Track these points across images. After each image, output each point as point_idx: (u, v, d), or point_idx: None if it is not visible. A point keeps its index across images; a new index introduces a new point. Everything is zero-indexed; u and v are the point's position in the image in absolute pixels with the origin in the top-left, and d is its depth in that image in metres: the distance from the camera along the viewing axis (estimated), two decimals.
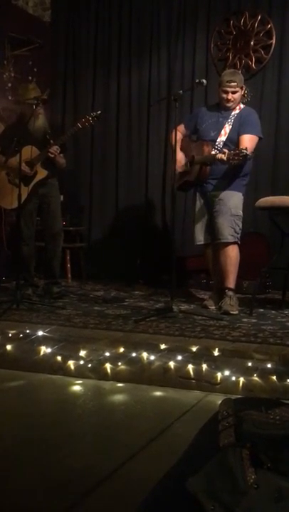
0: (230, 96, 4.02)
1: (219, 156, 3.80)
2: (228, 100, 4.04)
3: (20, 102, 4.43)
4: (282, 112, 5.26)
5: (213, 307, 4.08)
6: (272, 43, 5.28)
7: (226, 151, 3.80)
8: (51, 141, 4.26)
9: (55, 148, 4.24)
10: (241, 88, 4.11)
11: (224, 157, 3.74)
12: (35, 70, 5.99)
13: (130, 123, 5.93)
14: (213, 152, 3.97)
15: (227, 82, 4.02)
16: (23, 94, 4.37)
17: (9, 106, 5.69)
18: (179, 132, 4.20)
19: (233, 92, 4.03)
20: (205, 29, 5.57)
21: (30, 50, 5.83)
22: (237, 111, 4.08)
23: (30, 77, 5.92)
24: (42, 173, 4.31)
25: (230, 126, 4.02)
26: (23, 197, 4.17)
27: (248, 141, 3.92)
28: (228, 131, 4.02)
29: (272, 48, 5.27)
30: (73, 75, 6.20)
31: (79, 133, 4.67)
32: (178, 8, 5.68)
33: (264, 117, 5.30)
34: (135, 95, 5.91)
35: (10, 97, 5.71)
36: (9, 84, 5.73)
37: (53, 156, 4.25)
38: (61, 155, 4.43)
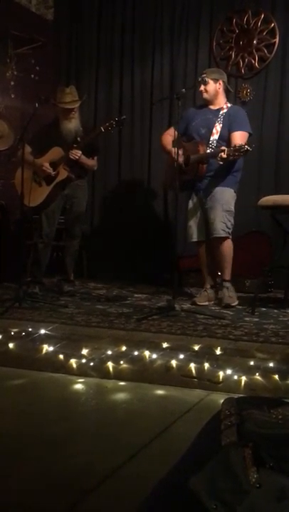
0: (201, 87, 4.21)
1: (221, 155, 3.84)
2: (201, 93, 4.24)
3: (56, 105, 4.48)
4: (285, 110, 5.26)
5: (203, 303, 4.16)
6: (275, 42, 5.27)
7: (224, 148, 3.86)
8: (74, 145, 4.34)
9: (75, 152, 4.30)
10: (215, 81, 4.21)
11: (224, 155, 3.81)
12: (37, 68, 5.99)
13: (133, 121, 5.93)
14: (208, 151, 4.09)
15: (201, 75, 4.30)
16: (59, 97, 4.42)
17: (12, 104, 5.69)
18: (170, 136, 4.33)
19: (204, 84, 4.19)
20: (207, 27, 5.57)
21: (33, 49, 5.82)
22: (225, 110, 4.20)
23: (32, 76, 5.93)
24: (63, 174, 4.38)
25: (221, 125, 4.14)
26: (43, 196, 4.38)
27: (240, 138, 4.04)
28: (219, 129, 4.13)
29: (276, 46, 5.27)
30: (76, 74, 6.19)
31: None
32: (180, 6, 5.67)
33: (267, 116, 5.31)
34: (138, 94, 5.91)
35: (12, 95, 5.72)
36: (12, 83, 5.73)
37: (74, 159, 4.32)
38: (94, 158, 4.59)
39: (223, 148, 3.86)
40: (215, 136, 4.11)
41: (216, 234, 4.13)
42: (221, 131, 4.11)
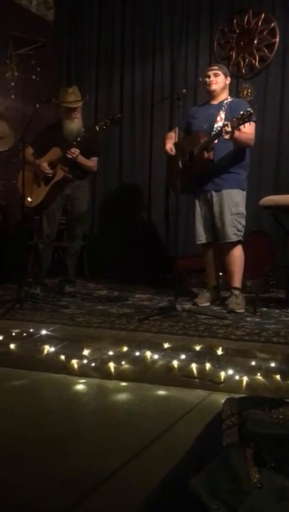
0: (212, 77, 4.09)
1: (225, 129, 3.73)
2: (211, 83, 4.09)
3: (59, 105, 4.47)
4: (286, 110, 5.26)
5: (204, 304, 4.14)
6: (276, 42, 5.27)
7: (226, 122, 3.75)
8: (74, 143, 4.31)
9: (73, 150, 4.28)
10: (225, 76, 4.15)
11: (228, 128, 3.71)
12: (38, 69, 6.00)
13: (133, 122, 5.93)
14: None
15: (208, 67, 4.23)
16: (62, 97, 4.42)
17: (12, 105, 5.69)
18: (172, 139, 4.22)
19: (215, 75, 4.11)
20: (208, 28, 5.56)
21: (33, 49, 5.83)
22: (229, 100, 4.12)
23: (33, 76, 5.93)
24: (59, 175, 4.37)
25: (225, 112, 4.02)
26: (42, 196, 4.38)
27: (248, 127, 3.88)
28: (223, 117, 4.00)
29: (276, 46, 5.27)
30: (76, 74, 6.20)
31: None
32: (181, 6, 5.67)
33: (268, 116, 5.31)
34: (138, 94, 5.91)
35: (13, 96, 5.72)
36: (12, 84, 5.73)
37: (71, 158, 4.29)
38: (94, 158, 4.54)
39: (225, 122, 3.75)
40: (219, 124, 3.96)
41: (227, 239, 4.02)
42: (225, 119, 3.94)
